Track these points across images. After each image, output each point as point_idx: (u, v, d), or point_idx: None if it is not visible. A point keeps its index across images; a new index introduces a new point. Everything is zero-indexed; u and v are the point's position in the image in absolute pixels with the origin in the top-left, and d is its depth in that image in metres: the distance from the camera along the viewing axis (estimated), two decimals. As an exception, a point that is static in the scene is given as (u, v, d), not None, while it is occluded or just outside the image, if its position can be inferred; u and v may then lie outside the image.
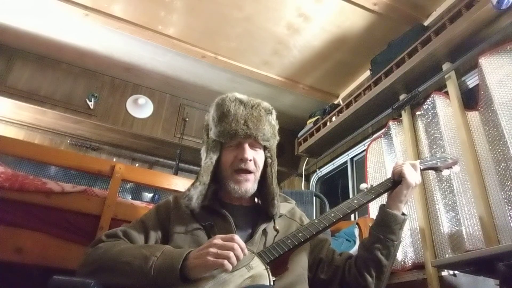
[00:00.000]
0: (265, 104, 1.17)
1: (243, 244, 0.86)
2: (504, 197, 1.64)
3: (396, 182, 1.10)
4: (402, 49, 2.32)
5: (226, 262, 0.81)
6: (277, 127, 1.19)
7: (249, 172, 1.09)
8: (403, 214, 1.08)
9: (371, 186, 1.13)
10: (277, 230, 1.08)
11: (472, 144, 1.83)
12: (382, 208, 1.09)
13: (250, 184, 1.09)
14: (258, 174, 1.13)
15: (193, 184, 1.08)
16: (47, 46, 3.14)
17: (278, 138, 1.19)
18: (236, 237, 0.87)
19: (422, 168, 1.21)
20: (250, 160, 1.08)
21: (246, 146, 1.09)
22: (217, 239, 0.86)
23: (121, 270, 0.90)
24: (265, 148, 1.15)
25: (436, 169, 1.25)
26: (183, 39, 2.93)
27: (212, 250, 0.84)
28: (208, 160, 1.09)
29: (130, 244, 1.01)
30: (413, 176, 1.08)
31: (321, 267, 1.11)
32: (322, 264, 1.11)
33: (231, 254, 0.83)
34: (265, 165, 1.14)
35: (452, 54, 2.08)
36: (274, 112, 1.19)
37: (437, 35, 2.07)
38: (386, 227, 1.05)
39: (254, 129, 1.09)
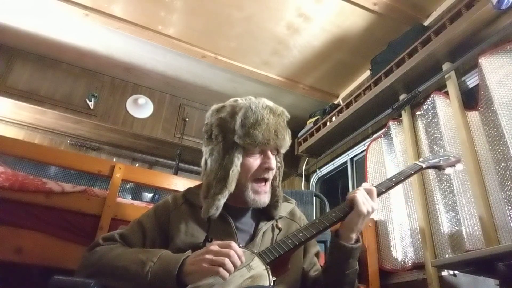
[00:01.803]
0: (286, 111, 1.14)
1: (240, 251, 0.85)
2: (504, 197, 1.64)
3: (349, 211, 1.03)
4: (402, 49, 2.32)
5: (221, 269, 0.80)
6: (290, 134, 1.16)
7: (268, 180, 1.08)
8: (356, 241, 1.02)
9: (372, 185, 1.12)
10: (279, 229, 1.08)
11: (472, 144, 1.83)
12: (332, 235, 1.05)
13: (268, 196, 1.08)
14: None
15: (222, 193, 1.02)
16: (47, 46, 3.14)
17: (290, 143, 1.16)
18: (233, 244, 0.86)
19: (425, 166, 1.20)
20: (273, 169, 1.08)
21: (271, 154, 1.08)
22: (214, 246, 0.86)
23: (117, 274, 0.89)
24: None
25: (439, 167, 1.25)
26: (183, 39, 2.93)
27: (208, 256, 0.83)
28: (234, 167, 1.04)
29: (128, 248, 1.00)
30: (365, 204, 1.01)
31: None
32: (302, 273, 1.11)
33: (227, 260, 0.82)
34: None
35: (452, 54, 2.08)
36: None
37: (437, 35, 2.07)
38: (335, 256, 1.02)
39: (281, 140, 1.08)
